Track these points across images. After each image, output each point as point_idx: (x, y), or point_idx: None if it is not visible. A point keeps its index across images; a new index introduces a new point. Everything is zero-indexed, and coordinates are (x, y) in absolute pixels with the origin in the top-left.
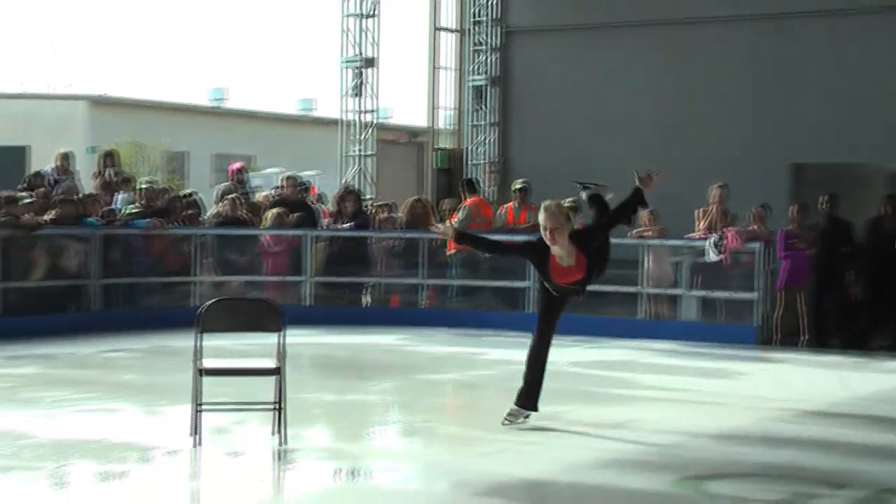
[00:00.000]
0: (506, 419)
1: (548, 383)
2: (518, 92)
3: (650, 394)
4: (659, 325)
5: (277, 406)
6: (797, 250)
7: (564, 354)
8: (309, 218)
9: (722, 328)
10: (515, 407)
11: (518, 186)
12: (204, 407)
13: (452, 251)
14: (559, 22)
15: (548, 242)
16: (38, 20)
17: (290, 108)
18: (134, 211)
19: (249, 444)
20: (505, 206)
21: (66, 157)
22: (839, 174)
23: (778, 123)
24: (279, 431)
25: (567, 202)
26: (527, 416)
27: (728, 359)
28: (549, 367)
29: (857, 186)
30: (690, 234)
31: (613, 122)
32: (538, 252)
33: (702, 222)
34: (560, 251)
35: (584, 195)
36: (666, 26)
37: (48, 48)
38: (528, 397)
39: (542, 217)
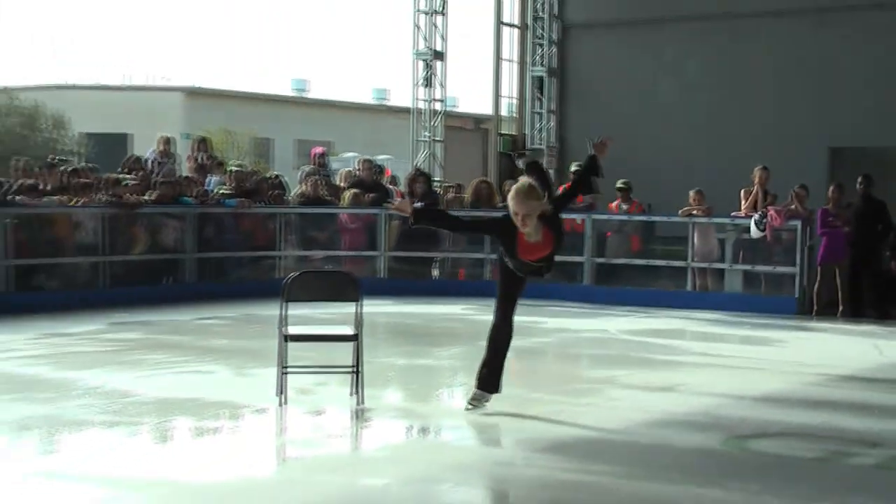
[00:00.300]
0: (470, 404)
1: (601, 350)
2: (574, 82)
3: (696, 360)
4: (705, 296)
5: (355, 369)
6: (835, 228)
7: (616, 323)
8: (383, 198)
9: (764, 300)
10: (478, 391)
11: (574, 168)
12: (289, 369)
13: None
14: (612, 17)
15: (519, 227)
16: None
17: (366, 98)
18: (225, 191)
19: (329, 404)
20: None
21: (167, 142)
22: (874, 157)
23: (817, 110)
24: (356, 392)
25: (620, 183)
26: (488, 400)
27: (769, 328)
28: (602, 335)
29: (891, 169)
30: (736, 213)
31: (662, 110)
32: (507, 229)
33: (746, 202)
34: (529, 229)
35: (520, 164)
36: (712, 20)
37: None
38: (491, 379)
39: (512, 203)
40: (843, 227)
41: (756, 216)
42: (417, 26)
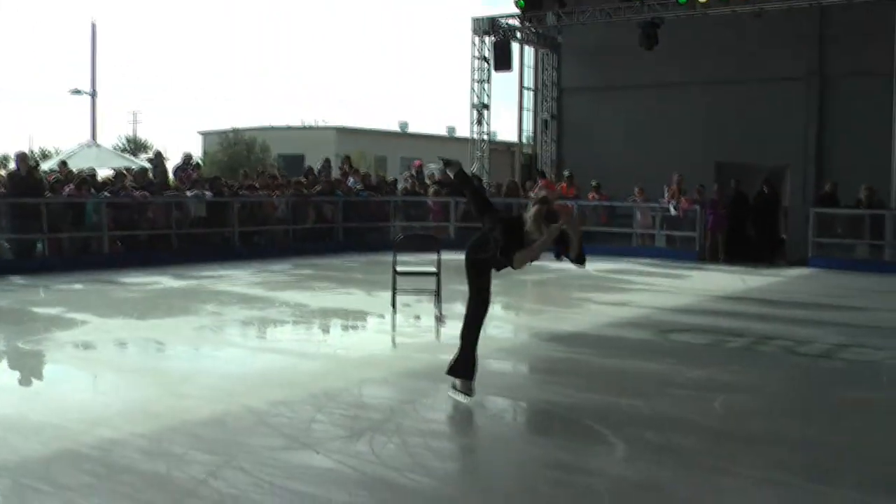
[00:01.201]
0: (461, 394)
1: (583, 282)
2: (567, 123)
3: (639, 287)
4: (644, 250)
5: (436, 292)
6: (718, 210)
7: (592, 266)
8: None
9: (678, 252)
10: (466, 382)
11: (567, 174)
12: (397, 292)
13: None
14: (590, 84)
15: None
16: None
17: (442, 131)
18: (359, 188)
19: (422, 313)
20: (558, 184)
21: (326, 160)
22: (742, 168)
23: (707, 139)
24: (437, 305)
25: (594, 182)
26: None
27: (681, 268)
28: (583, 273)
29: (748, 174)
30: (661, 200)
31: (620, 140)
32: (514, 227)
33: (668, 194)
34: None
35: (449, 171)
36: (649, 87)
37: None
38: (469, 367)
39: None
40: (722, 210)
41: (673, 202)
42: (473, 90)
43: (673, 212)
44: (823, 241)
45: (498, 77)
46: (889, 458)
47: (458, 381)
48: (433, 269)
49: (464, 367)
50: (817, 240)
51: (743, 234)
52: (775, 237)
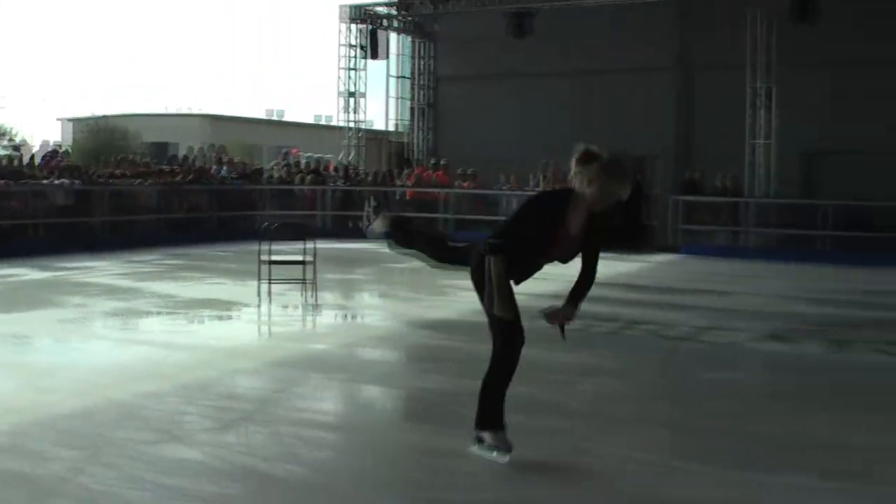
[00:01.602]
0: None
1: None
2: (443, 112)
3: None
4: None
5: (306, 280)
6: None
7: None
8: (322, 180)
9: None
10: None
11: (443, 162)
12: (266, 281)
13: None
14: (464, 74)
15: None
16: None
17: (313, 119)
18: (233, 176)
19: (292, 302)
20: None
21: (201, 149)
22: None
23: (580, 128)
24: (309, 294)
25: (469, 171)
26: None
27: None
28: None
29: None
30: (535, 188)
31: (498, 130)
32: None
33: (544, 181)
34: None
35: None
36: (528, 77)
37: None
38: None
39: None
40: None
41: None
42: (347, 77)
43: None
44: (690, 227)
45: (373, 65)
46: (750, 434)
47: (486, 434)
48: (306, 257)
49: (493, 413)
50: (684, 227)
51: (612, 222)
52: (644, 224)
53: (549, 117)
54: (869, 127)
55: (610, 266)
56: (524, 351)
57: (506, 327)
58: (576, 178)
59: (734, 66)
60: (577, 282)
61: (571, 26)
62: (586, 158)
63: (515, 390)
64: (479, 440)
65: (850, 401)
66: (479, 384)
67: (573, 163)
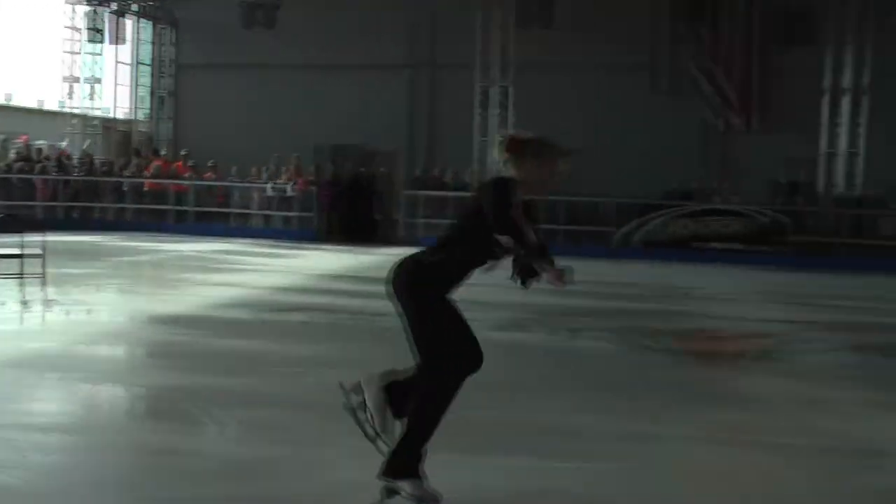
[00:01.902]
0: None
1: (195, 262)
2: (185, 101)
3: (252, 267)
4: (261, 230)
5: (42, 275)
6: (333, 191)
7: (208, 245)
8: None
9: (295, 232)
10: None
11: (183, 153)
12: None
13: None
14: (211, 62)
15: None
16: None
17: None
18: None
19: (14, 298)
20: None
21: None
22: (356, 149)
23: (326, 121)
24: (43, 288)
25: (210, 162)
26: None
27: (298, 248)
28: (197, 252)
29: (364, 156)
30: (279, 180)
31: (241, 121)
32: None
33: (285, 174)
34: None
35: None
36: (273, 68)
37: None
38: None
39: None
40: (337, 190)
41: (290, 183)
42: (83, 62)
43: (290, 192)
44: (431, 221)
45: (113, 51)
46: (482, 420)
47: (405, 484)
48: (24, 250)
49: (410, 459)
50: (426, 220)
51: (357, 214)
52: (386, 217)
53: (295, 110)
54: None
55: (341, 260)
56: (261, 345)
57: (445, 344)
58: (508, 165)
59: (469, 66)
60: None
61: (313, 21)
62: (515, 146)
63: (251, 383)
64: (391, 492)
65: (579, 386)
66: (215, 379)
67: (499, 152)
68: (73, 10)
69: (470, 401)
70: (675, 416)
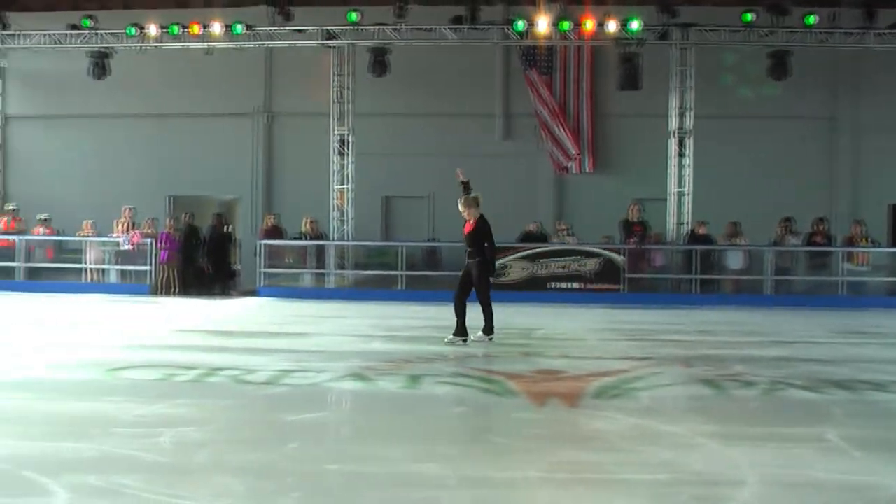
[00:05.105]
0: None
1: (27, 321)
2: (13, 153)
3: (87, 323)
4: (96, 285)
5: None
6: (171, 243)
7: (36, 304)
8: None
9: (131, 286)
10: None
11: (12, 207)
12: None
13: None
14: (41, 113)
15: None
16: None
17: None
18: None
19: None
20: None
21: None
22: (195, 200)
23: (163, 172)
24: None
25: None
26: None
27: (135, 303)
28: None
29: (203, 206)
30: (113, 234)
31: (74, 173)
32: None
33: (119, 227)
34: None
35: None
36: (107, 118)
37: None
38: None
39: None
40: (175, 242)
41: (125, 236)
42: None
43: (124, 245)
44: (272, 271)
45: None
46: (332, 472)
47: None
48: None
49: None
50: (267, 270)
51: (197, 266)
52: (228, 268)
53: (130, 160)
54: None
55: (192, 312)
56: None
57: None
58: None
59: (317, 112)
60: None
61: (148, 69)
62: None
63: (87, 447)
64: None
65: (424, 433)
66: (48, 444)
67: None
68: None
69: (315, 452)
70: (518, 458)
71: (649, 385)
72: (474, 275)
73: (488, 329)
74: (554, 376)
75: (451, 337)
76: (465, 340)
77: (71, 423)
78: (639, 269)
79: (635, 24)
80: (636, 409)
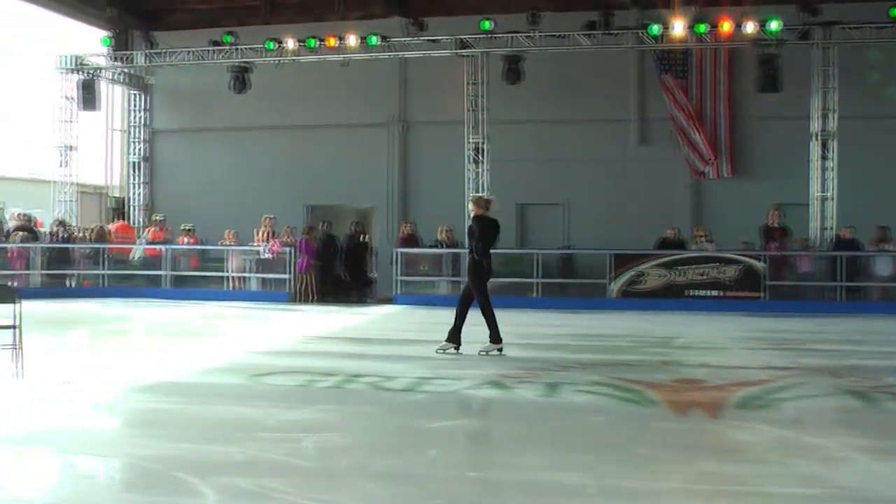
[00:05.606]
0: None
1: (176, 327)
2: (159, 165)
3: (232, 331)
4: (237, 293)
5: (15, 347)
6: (308, 252)
7: (184, 310)
8: (34, 237)
9: (271, 294)
10: (446, 342)
11: (159, 218)
12: None
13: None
14: (185, 126)
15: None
16: None
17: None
18: None
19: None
20: (150, 228)
21: None
22: (332, 209)
23: (300, 182)
24: (17, 361)
25: (185, 226)
26: (456, 348)
27: (274, 310)
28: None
29: (339, 216)
30: (253, 242)
31: (216, 184)
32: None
33: (259, 236)
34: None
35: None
36: (246, 131)
37: None
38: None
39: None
40: (312, 251)
41: (265, 245)
42: (58, 129)
43: (264, 254)
44: (409, 279)
45: (86, 118)
46: (472, 479)
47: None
48: (10, 322)
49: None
50: (403, 278)
51: (334, 274)
52: (365, 276)
53: (268, 171)
54: (568, 180)
55: (330, 320)
56: (245, 411)
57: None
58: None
59: (449, 121)
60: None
61: (286, 82)
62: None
63: (234, 451)
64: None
65: (562, 441)
66: (198, 447)
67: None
68: (65, 79)
69: (455, 459)
70: (659, 468)
71: (794, 396)
72: (469, 279)
73: (495, 337)
74: (694, 386)
75: (444, 343)
76: (457, 348)
77: (219, 427)
78: (780, 275)
79: (774, 25)
80: (781, 421)
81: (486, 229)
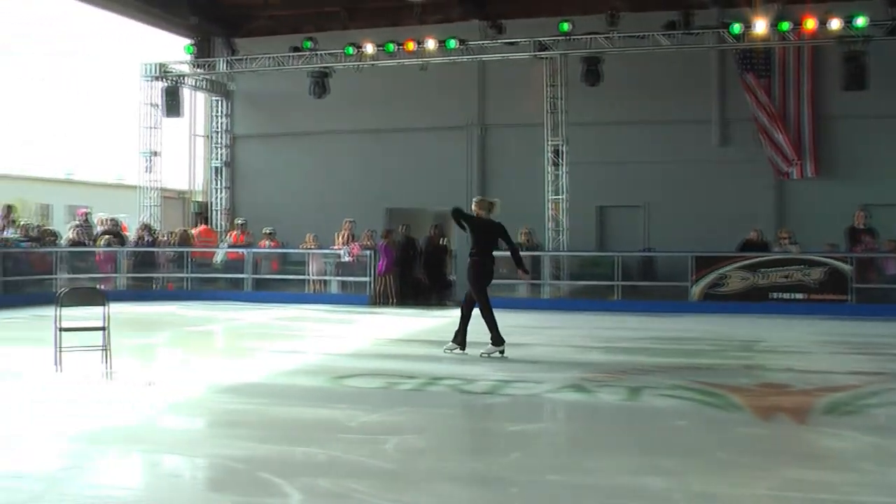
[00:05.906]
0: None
1: (258, 329)
2: (240, 170)
3: (313, 333)
4: (318, 296)
5: (104, 347)
6: (388, 255)
7: (265, 313)
8: (121, 241)
9: (351, 297)
10: (452, 343)
11: (241, 222)
12: (62, 349)
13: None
14: (265, 131)
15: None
16: None
17: (111, 179)
18: (16, 237)
19: (87, 370)
20: (233, 232)
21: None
22: (410, 212)
23: (379, 185)
24: (106, 361)
25: (266, 229)
26: (460, 349)
27: (355, 313)
28: (236, 322)
29: (418, 219)
30: (333, 246)
31: (296, 188)
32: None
33: (339, 239)
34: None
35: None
36: (325, 135)
37: None
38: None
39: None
40: (392, 254)
41: (345, 248)
42: (142, 135)
43: (345, 257)
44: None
45: (170, 124)
46: (554, 483)
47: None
48: (100, 323)
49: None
50: None
51: (413, 277)
52: (444, 279)
53: (347, 175)
54: (648, 182)
55: (410, 323)
56: (327, 413)
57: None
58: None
59: (529, 124)
60: (512, 256)
61: (365, 86)
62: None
63: (317, 452)
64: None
65: (645, 446)
66: (282, 448)
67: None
68: (149, 86)
69: (536, 462)
70: (745, 474)
71: (885, 402)
72: (468, 281)
73: (496, 339)
74: (779, 390)
75: (450, 343)
76: (461, 348)
77: (302, 428)
78: (868, 278)
79: (861, 21)
80: (872, 427)
81: (476, 229)
